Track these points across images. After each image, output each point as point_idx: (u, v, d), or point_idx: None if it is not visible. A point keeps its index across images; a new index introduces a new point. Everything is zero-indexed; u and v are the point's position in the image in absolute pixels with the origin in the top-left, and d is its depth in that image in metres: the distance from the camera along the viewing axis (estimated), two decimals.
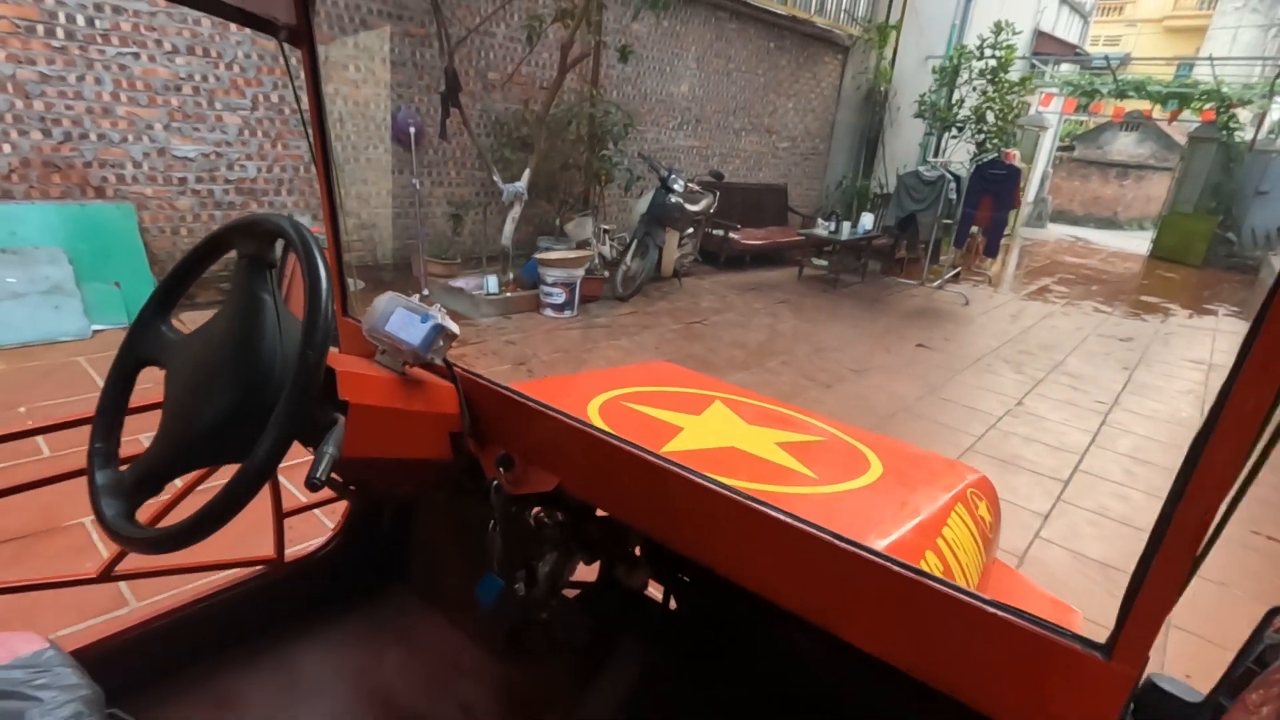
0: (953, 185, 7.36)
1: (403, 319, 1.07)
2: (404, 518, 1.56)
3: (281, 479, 1.37)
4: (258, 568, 1.37)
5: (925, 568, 0.78)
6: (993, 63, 8.88)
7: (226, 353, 0.87)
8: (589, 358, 4.57)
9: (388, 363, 1.08)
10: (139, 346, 0.95)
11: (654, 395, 1.53)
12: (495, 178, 5.41)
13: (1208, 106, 11.82)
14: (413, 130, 5.12)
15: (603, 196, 6.90)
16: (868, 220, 7.84)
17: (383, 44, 5.13)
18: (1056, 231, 17.01)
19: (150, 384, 0.93)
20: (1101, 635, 0.63)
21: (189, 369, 0.90)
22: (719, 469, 0.97)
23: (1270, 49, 18.16)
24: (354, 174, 5.40)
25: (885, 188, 10.00)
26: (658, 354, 4.77)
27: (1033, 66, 13.07)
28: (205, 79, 4.42)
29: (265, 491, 1.35)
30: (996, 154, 8.22)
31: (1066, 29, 15.73)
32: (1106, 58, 12.82)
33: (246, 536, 1.34)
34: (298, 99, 1.25)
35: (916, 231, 7.80)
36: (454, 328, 1.07)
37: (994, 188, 7.23)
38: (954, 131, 9.55)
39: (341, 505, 1.52)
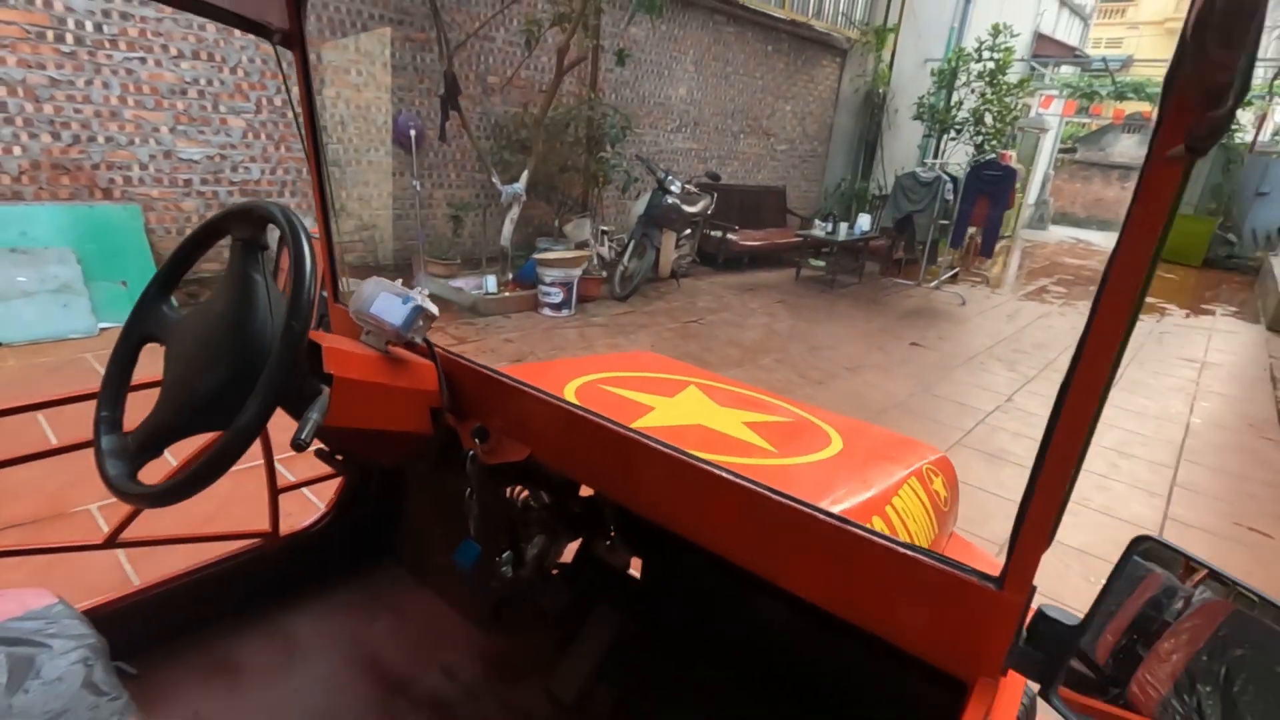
0: (949, 186, 7.43)
1: (385, 302, 1.15)
2: (393, 496, 1.64)
3: (276, 461, 1.45)
4: (254, 540, 1.45)
5: (873, 529, 0.86)
6: (991, 65, 8.94)
7: (222, 327, 0.95)
8: (585, 355, 4.65)
9: (372, 342, 1.16)
10: (142, 324, 1.03)
11: (631, 380, 1.61)
12: (494, 179, 5.51)
13: None
14: (413, 133, 5.22)
15: (601, 198, 6.99)
16: (864, 221, 7.91)
17: (384, 48, 5.24)
18: (1058, 233, 17.03)
19: (149, 365, 1.01)
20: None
21: (188, 342, 0.98)
22: (683, 443, 1.04)
23: (1272, 50, 18.17)
24: (356, 176, 5.50)
25: (884, 189, 10.06)
26: (652, 351, 4.84)
27: (1032, 69, 13.13)
28: (210, 83, 4.52)
29: (261, 471, 1.43)
30: (995, 155, 8.29)
31: (1066, 31, 15.78)
32: (1104, 59, 12.87)
33: (247, 516, 1.43)
34: (290, 98, 1.33)
35: (914, 232, 7.86)
36: (433, 309, 1.15)
37: (990, 189, 7.29)
38: (952, 133, 9.62)
39: (333, 485, 1.60)
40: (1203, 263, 12.28)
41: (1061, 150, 18.82)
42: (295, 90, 1.31)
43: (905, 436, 1.61)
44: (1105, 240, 16.41)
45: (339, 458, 1.16)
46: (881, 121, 10.48)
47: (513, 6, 5.74)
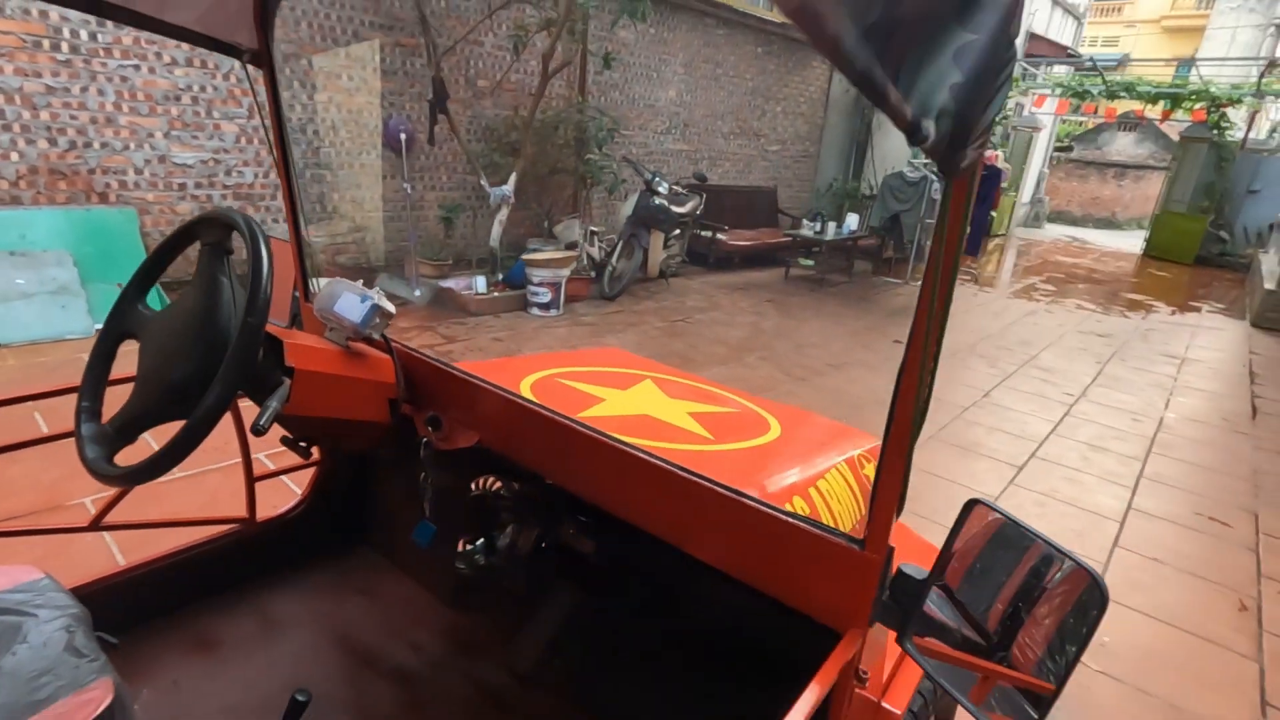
0: (936, 186, 7.52)
1: (347, 301, 1.25)
2: (364, 484, 1.74)
3: (260, 453, 1.55)
4: (233, 525, 1.55)
5: (791, 509, 0.95)
6: None
7: (192, 324, 1.05)
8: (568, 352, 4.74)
9: (335, 338, 1.26)
10: (121, 321, 1.13)
11: (589, 374, 1.70)
12: (483, 181, 5.61)
13: (1198, 106, 11.95)
14: (404, 136, 5.32)
15: (589, 200, 7.09)
16: (853, 221, 8.01)
17: (374, 54, 5.34)
18: (1053, 232, 17.10)
19: (128, 362, 1.11)
20: None
21: (161, 338, 1.08)
22: (626, 431, 1.14)
23: (1266, 48, 18.24)
24: (348, 179, 5.60)
25: (874, 189, 10.15)
26: (639, 350, 4.94)
27: (1024, 69, 13.21)
28: (203, 89, 4.63)
29: (239, 459, 1.53)
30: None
31: (1060, 31, 15.84)
32: (1093, 59, 12.96)
33: (234, 506, 1.53)
34: (260, 113, 1.43)
35: (901, 231, 7.96)
36: (389, 307, 1.25)
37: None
38: None
39: (308, 474, 1.70)
40: (1195, 260, 12.34)
41: (1057, 148, 18.88)
42: (266, 105, 1.41)
43: (845, 425, 1.71)
44: (1100, 238, 16.49)
45: (303, 444, 1.25)
46: (871, 122, 10.57)
47: (500, 12, 5.84)
